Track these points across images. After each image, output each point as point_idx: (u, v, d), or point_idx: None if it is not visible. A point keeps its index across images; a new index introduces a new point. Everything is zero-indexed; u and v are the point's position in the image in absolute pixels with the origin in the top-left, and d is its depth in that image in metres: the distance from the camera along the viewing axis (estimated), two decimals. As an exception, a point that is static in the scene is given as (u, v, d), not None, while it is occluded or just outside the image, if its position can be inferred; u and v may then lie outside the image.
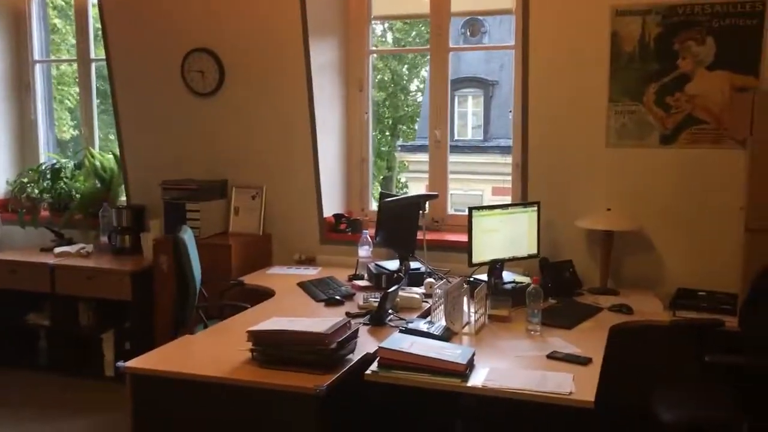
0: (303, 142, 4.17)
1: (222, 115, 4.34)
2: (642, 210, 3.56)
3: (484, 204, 9.37)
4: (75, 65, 5.11)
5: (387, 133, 9.85)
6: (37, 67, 5.15)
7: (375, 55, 4.51)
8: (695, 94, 3.40)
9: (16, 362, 4.47)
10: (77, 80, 5.14)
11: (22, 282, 4.33)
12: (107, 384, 4.20)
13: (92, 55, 4.98)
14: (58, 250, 4.43)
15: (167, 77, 4.39)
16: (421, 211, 3.60)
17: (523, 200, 3.79)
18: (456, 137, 10.86)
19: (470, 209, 3.34)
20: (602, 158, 3.62)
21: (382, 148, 9.66)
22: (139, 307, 4.14)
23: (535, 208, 3.54)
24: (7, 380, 4.31)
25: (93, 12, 4.87)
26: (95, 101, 5.02)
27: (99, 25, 4.52)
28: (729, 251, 3.32)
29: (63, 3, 5.55)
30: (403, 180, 10.00)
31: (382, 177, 9.62)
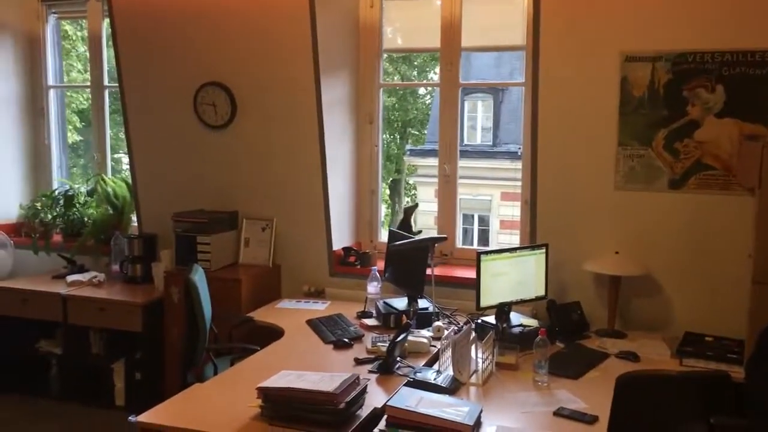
0: (313, 175, 4.21)
1: (233, 148, 4.38)
2: (650, 253, 3.56)
3: (493, 208, 9.45)
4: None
5: (396, 136, 9.89)
6: (51, 93, 5.22)
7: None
8: (704, 140, 3.41)
9: (28, 390, 4.52)
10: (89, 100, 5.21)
11: (34, 311, 4.37)
12: (117, 413, 4.24)
13: (105, 82, 5.04)
14: (70, 278, 4.48)
15: (180, 108, 4.44)
16: (429, 253, 3.62)
17: (531, 239, 3.81)
18: (465, 141, 10.88)
19: (479, 254, 3.36)
20: (611, 201, 3.63)
21: (392, 151, 9.71)
22: (149, 338, 4.19)
23: (543, 251, 3.55)
24: (18, 408, 4.36)
25: (106, 35, 4.91)
26: (108, 128, 5.07)
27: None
28: (736, 296, 3.32)
29: (77, 30, 5.60)
30: (411, 182, 10.04)
31: (390, 179, 9.68)
